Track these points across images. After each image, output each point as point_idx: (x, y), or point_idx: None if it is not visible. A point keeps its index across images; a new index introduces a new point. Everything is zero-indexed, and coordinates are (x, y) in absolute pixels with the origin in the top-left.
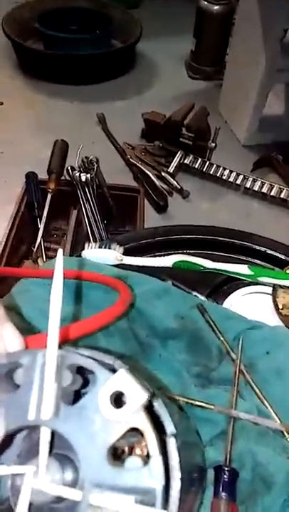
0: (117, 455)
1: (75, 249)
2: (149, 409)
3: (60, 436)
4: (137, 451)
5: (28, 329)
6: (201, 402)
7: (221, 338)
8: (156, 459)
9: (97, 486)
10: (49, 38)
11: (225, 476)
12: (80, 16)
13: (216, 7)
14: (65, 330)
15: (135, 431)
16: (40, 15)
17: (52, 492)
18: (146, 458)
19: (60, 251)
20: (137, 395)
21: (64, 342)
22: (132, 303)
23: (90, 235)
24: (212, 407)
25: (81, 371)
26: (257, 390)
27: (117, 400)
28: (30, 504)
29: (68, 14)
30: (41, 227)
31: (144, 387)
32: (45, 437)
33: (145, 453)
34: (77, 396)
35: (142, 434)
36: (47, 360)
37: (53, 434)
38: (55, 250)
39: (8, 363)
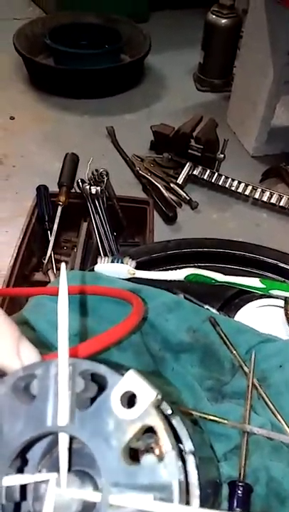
0: (135, 456)
1: (86, 261)
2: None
3: (79, 453)
4: (156, 451)
5: (42, 343)
6: (215, 416)
7: (234, 352)
8: (170, 454)
9: (115, 485)
10: (59, 53)
11: (239, 492)
12: (90, 31)
13: (224, 20)
14: (82, 346)
15: (151, 432)
16: (50, 31)
17: (71, 495)
18: (162, 455)
19: (63, 265)
20: (146, 393)
21: (91, 355)
22: (144, 316)
23: (100, 247)
24: (226, 421)
25: (96, 379)
26: (270, 404)
27: (131, 402)
28: None
29: (78, 30)
30: (52, 239)
31: (153, 386)
32: (64, 444)
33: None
34: (93, 403)
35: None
36: (59, 368)
37: (71, 450)
38: (66, 262)
39: (25, 375)
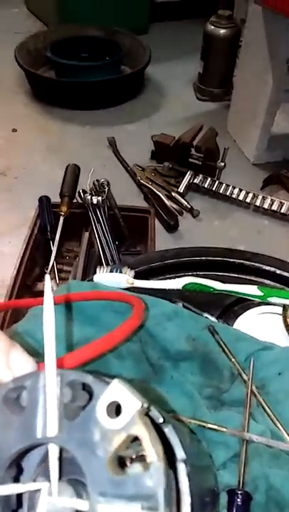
0: (123, 464)
1: (88, 270)
2: (158, 432)
3: (72, 462)
4: (148, 459)
5: (42, 353)
6: (214, 424)
7: (233, 360)
8: (155, 464)
9: (102, 495)
10: (61, 66)
11: (238, 500)
12: (91, 43)
13: (222, 31)
14: (85, 349)
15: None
16: (52, 44)
17: (61, 504)
18: (148, 465)
19: (47, 276)
20: (130, 403)
21: (84, 363)
22: (142, 324)
23: (102, 256)
24: (224, 429)
25: (87, 388)
26: (269, 412)
27: (118, 411)
28: None
29: (79, 42)
30: (54, 249)
31: (138, 396)
32: (53, 454)
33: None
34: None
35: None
36: (46, 380)
37: (64, 459)
38: (68, 272)
39: (15, 387)
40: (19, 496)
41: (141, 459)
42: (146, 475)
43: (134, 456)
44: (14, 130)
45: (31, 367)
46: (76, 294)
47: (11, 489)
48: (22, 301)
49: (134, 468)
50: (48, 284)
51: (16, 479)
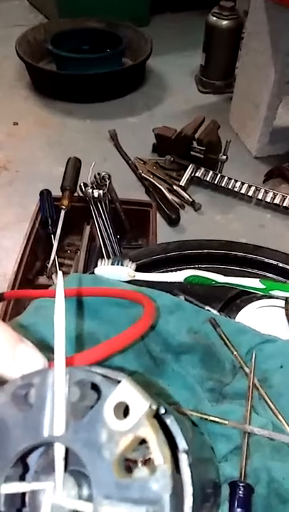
0: (130, 467)
1: (89, 264)
2: (160, 423)
3: (75, 453)
4: (154, 462)
5: (44, 345)
6: (215, 417)
7: (234, 353)
8: (162, 467)
9: (107, 497)
10: (62, 58)
11: (240, 492)
12: (92, 36)
13: (224, 22)
14: (95, 350)
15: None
16: (52, 36)
17: (65, 505)
18: (154, 468)
19: (59, 273)
20: (138, 404)
21: (96, 362)
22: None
23: (104, 250)
24: (226, 422)
25: (97, 388)
26: (271, 405)
27: (127, 412)
28: None
29: (80, 35)
30: (55, 243)
31: (146, 397)
32: (59, 453)
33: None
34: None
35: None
36: (55, 378)
37: (68, 450)
38: (69, 266)
39: (24, 384)
40: (23, 494)
41: (148, 462)
42: (153, 479)
43: (141, 460)
44: (15, 123)
45: (40, 363)
46: (85, 289)
47: (16, 488)
48: (32, 291)
49: (141, 472)
50: (60, 282)
51: (22, 477)
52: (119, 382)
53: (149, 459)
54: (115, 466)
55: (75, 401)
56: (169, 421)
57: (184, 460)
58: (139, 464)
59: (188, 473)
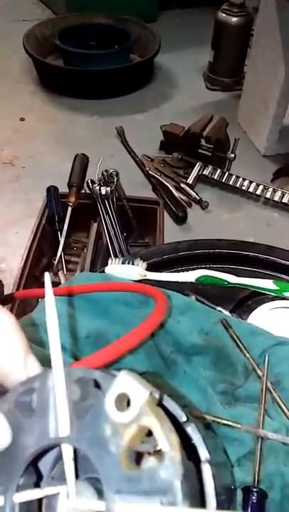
0: (139, 460)
1: (96, 262)
2: (181, 433)
3: (86, 459)
4: (162, 450)
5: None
6: (228, 420)
7: (247, 355)
8: (170, 454)
9: (118, 492)
10: (69, 54)
11: (253, 497)
12: (99, 31)
13: (234, 19)
14: (107, 350)
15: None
16: (60, 32)
17: (78, 507)
18: (162, 456)
19: (46, 274)
20: (138, 393)
21: (110, 362)
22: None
23: (110, 248)
24: (239, 426)
25: (97, 384)
26: (284, 408)
27: (129, 404)
28: None
29: (88, 30)
30: (62, 240)
31: (146, 385)
32: (68, 454)
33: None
34: None
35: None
36: (54, 380)
37: (77, 456)
38: (76, 263)
39: (25, 390)
40: (40, 502)
41: (158, 453)
42: (161, 467)
43: (151, 451)
44: (22, 119)
45: (39, 371)
46: (98, 284)
47: (30, 495)
48: (42, 290)
49: (149, 462)
50: (48, 281)
51: (36, 484)
52: (115, 375)
53: (160, 449)
54: (123, 459)
55: (77, 400)
56: (190, 429)
57: (206, 470)
58: (148, 456)
59: (212, 484)
